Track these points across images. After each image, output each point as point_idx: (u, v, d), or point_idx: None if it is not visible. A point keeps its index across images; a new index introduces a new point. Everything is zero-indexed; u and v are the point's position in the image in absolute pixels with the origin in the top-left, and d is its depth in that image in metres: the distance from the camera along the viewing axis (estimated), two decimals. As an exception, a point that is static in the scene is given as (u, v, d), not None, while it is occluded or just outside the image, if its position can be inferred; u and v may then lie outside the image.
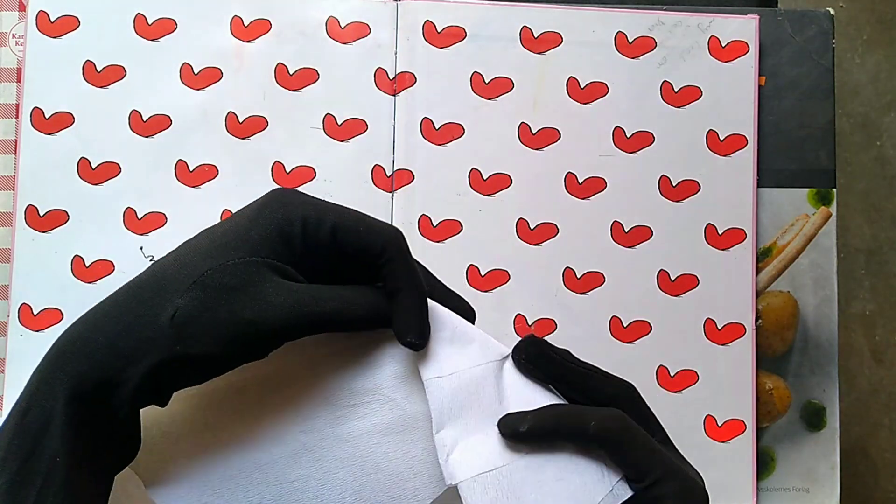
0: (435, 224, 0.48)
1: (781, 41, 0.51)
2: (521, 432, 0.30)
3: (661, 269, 0.49)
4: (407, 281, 0.31)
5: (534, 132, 0.49)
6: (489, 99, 0.49)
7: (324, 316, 0.28)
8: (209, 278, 0.27)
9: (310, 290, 0.29)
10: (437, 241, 0.48)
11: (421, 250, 0.48)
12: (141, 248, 0.44)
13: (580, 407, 0.32)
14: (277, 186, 0.32)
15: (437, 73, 0.49)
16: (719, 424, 0.49)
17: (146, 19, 0.48)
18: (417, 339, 0.30)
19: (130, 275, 0.48)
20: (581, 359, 0.33)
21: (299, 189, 0.33)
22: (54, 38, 0.48)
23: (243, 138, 0.48)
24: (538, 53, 0.49)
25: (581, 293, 0.49)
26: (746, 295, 0.49)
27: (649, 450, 0.31)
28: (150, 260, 0.36)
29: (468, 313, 0.33)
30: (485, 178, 0.49)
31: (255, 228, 0.28)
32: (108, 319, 0.27)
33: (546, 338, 0.48)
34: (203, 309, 0.27)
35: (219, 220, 0.46)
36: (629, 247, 0.49)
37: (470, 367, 0.31)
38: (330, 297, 0.29)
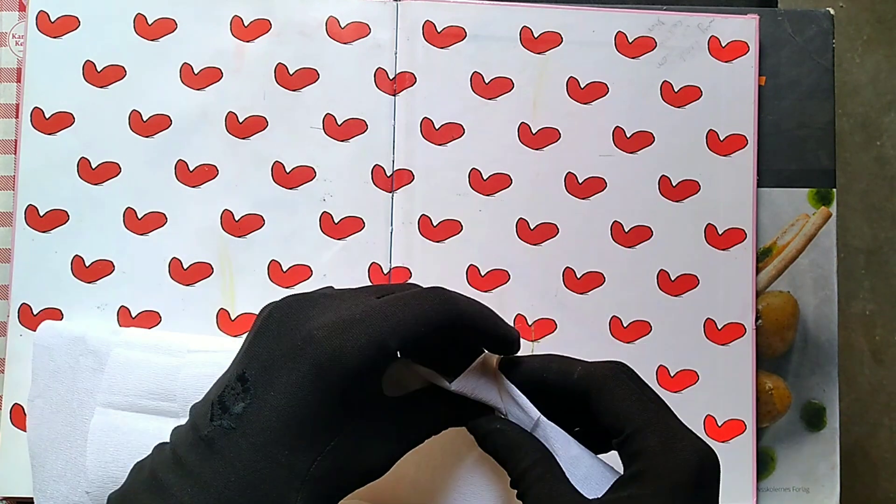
0: (435, 224, 0.48)
1: (781, 41, 0.51)
2: (514, 369, 0.33)
3: (661, 269, 0.49)
4: (497, 332, 0.33)
5: (534, 132, 0.49)
6: (489, 99, 0.49)
7: (417, 445, 0.31)
8: (316, 472, 0.27)
9: (398, 432, 0.30)
10: (437, 241, 0.48)
11: (421, 250, 0.48)
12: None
13: (573, 358, 0.33)
14: (284, 305, 0.31)
15: (437, 73, 0.49)
16: (719, 424, 0.49)
17: (146, 19, 0.48)
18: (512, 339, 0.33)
19: (130, 275, 0.49)
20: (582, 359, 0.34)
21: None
22: (54, 38, 0.48)
23: (243, 138, 0.48)
24: (538, 53, 0.49)
25: (581, 293, 0.49)
26: (746, 295, 0.49)
27: (632, 401, 0.30)
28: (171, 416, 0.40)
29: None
30: (485, 178, 0.49)
31: (325, 400, 0.28)
32: None
33: (546, 338, 0.49)
34: (322, 501, 0.28)
35: (219, 229, 0.46)
36: (629, 247, 0.49)
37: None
38: (417, 429, 0.31)
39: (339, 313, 0.29)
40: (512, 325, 0.34)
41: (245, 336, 0.31)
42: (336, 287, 0.34)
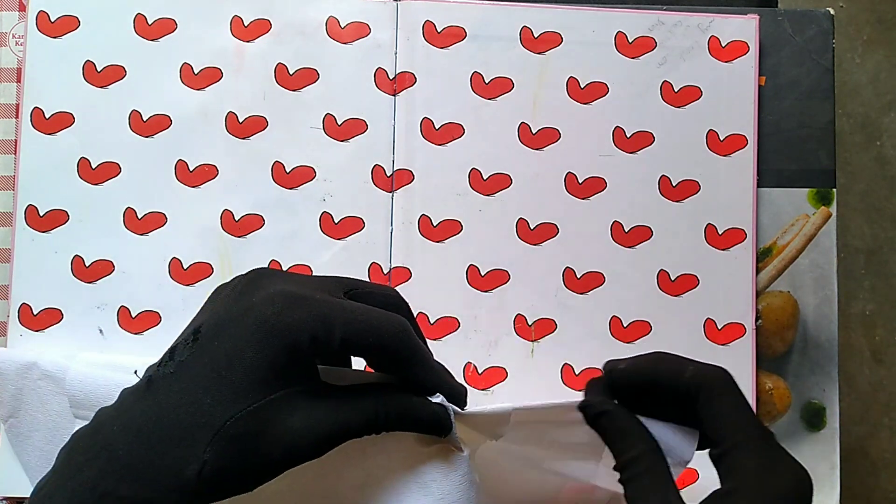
0: (435, 224, 0.48)
1: (781, 41, 0.51)
2: (619, 368, 0.32)
3: (661, 269, 0.49)
4: (427, 381, 0.32)
5: (534, 132, 0.49)
6: (489, 99, 0.49)
7: (348, 433, 0.29)
8: (232, 428, 0.27)
9: (329, 408, 0.29)
10: (437, 241, 0.48)
11: (421, 250, 0.48)
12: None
13: (684, 358, 0.32)
14: (256, 270, 0.31)
15: (437, 73, 0.49)
16: (719, 424, 0.49)
17: (146, 19, 0.48)
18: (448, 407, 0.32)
19: (130, 274, 0.49)
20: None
21: (274, 267, 0.32)
22: (54, 38, 0.48)
23: (243, 138, 0.48)
24: (538, 53, 0.49)
25: (581, 293, 0.49)
26: (746, 295, 0.49)
27: (738, 414, 0.29)
28: (135, 374, 0.36)
29: (460, 396, 0.34)
30: (485, 178, 0.49)
31: (262, 361, 0.28)
32: (128, 471, 0.26)
33: (546, 338, 0.49)
34: (230, 461, 0.27)
35: (219, 229, 0.46)
36: (629, 247, 0.49)
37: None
38: (351, 409, 0.30)
39: (301, 288, 0.29)
40: (461, 385, 0.33)
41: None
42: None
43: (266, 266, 0.31)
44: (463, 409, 0.33)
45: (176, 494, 0.26)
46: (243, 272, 0.31)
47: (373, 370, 0.33)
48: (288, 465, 0.28)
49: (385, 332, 0.30)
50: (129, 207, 0.48)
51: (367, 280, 0.33)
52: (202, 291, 0.47)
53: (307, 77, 0.49)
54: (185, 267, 0.47)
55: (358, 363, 0.34)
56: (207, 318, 0.29)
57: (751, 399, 0.49)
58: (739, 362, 0.49)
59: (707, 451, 0.31)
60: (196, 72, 0.48)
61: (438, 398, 0.32)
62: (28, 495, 0.44)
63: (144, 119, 0.48)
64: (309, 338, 0.28)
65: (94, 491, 0.26)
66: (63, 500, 0.26)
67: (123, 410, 0.28)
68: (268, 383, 0.28)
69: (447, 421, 0.32)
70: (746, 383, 0.49)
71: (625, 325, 0.49)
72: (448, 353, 0.47)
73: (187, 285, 0.47)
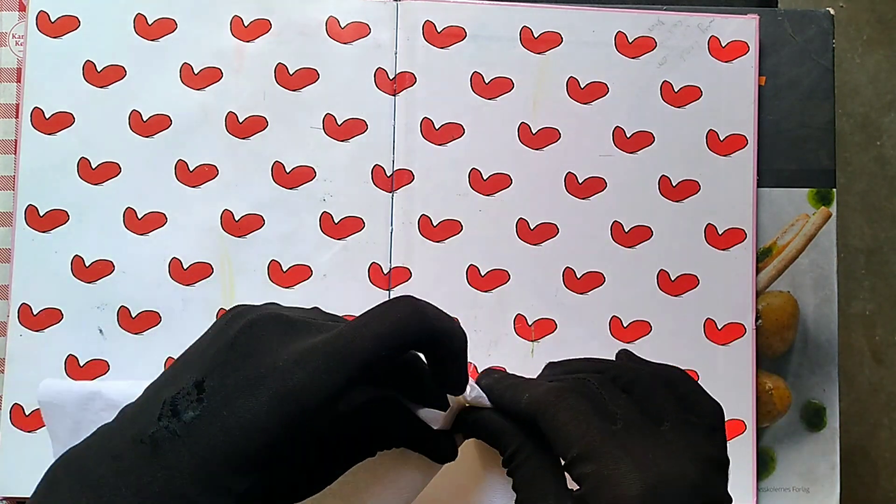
0: (435, 224, 0.48)
1: (781, 41, 0.51)
2: (465, 397, 0.33)
3: (661, 269, 0.49)
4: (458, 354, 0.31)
5: (534, 132, 0.49)
6: (489, 99, 0.49)
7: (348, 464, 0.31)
8: (250, 497, 0.27)
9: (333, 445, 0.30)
10: (437, 241, 0.48)
11: (421, 250, 0.48)
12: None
13: (529, 381, 0.33)
14: (251, 321, 0.29)
15: (437, 73, 0.49)
16: (719, 424, 0.49)
17: (146, 19, 0.48)
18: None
19: (130, 274, 0.49)
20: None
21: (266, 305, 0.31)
22: (54, 38, 0.48)
23: (243, 138, 0.48)
24: (538, 53, 0.49)
25: (581, 293, 0.49)
26: (746, 295, 0.49)
27: (574, 425, 0.30)
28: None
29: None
30: (485, 178, 0.49)
31: (278, 436, 0.27)
32: None
33: (546, 338, 0.49)
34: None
35: (219, 229, 0.46)
36: (629, 247, 0.49)
37: None
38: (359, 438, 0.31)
39: (305, 344, 0.28)
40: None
41: (210, 330, 0.30)
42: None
43: (268, 312, 0.30)
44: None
45: None
46: (252, 306, 0.30)
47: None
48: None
49: (397, 335, 0.28)
50: (129, 207, 0.48)
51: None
52: (202, 291, 0.47)
53: (307, 77, 0.49)
54: (185, 267, 0.47)
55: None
56: (210, 374, 0.28)
57: (751, 399, 0.49)
58: (739, 362, 0.49)
59: None
60: (196, 72, 0.48)
61: (475, 391, 0.33)
62: (28, 495, 0.44)
63: (144, 119, 0.48)
64: (324, 398, 0.27)
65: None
66: None
67: (128, 470, 0.26)
68: (286, 450, 0.27)
69: (455, 450, 0.33)
70: (746, 383, 0.49)
71: (625, 325, 0.49)
72: (448, 353, 0.48)
73: (187, 285, 0.47)
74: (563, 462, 0.30)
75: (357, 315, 0.29)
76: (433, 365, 0.31)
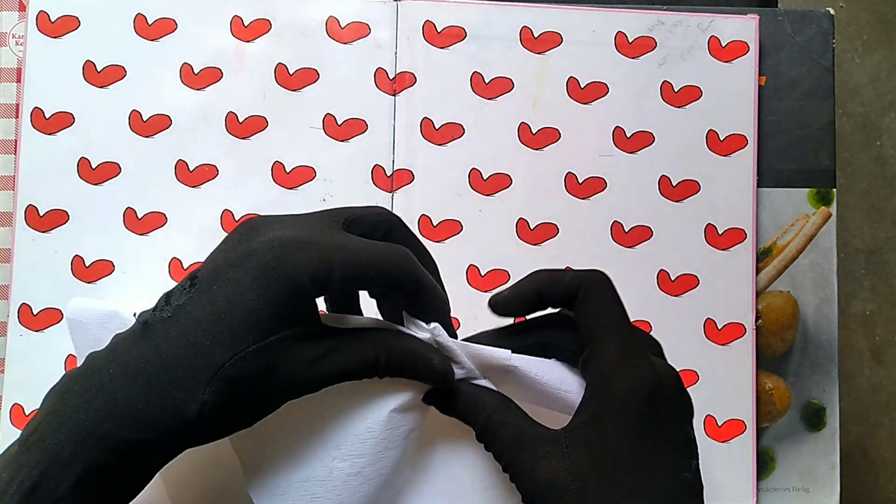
0: (435, 224, 0.48)
1: (781, 41, 0.51)
2: (503, 296, 0.35)
3: (661, 269, 0.49)
4: (433, 309, 0.33)
5: (534, 132, 0.49)
6: (489, 99, 0.49)
7: (346, 374, 0.30)
8: (231, 370, 0.27)
9: (329, 348, 0.29)
10: (437, 241, 0.48)
11: (421, 250, 0.48)
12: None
13: (556, 270, 0.35)
14: (253, 220, 0.31)
15: (437, 73, 0.49)
16: (719, 424, 0.49)
17: (146, 19, 0.48)
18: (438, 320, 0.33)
19: (131, 274, 0.49)
20: None
21: (275, 220, 0.31)
22: (54, 38, 0.48)
23: (243, 138, 0.48)
24: (538, 53, 0.49)
25: (581, 293, 0.49)
26: (746, 295, 0.49)
27: (609, 315, 0.32)
28: (134, 316, 0.36)
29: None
30: (485, 178, 0.49)
31: (262, 304, 0.28)
32: (128, 413, 0.27)
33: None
34: (230, 401, 0.27)
35: (219, 229, 0.46)
36: (629, 247, 0.49)
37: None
38: (350, 352, 0.30)
39: (299, 231, 0.29)
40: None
41: None
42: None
43: (259, 215, 0.31)
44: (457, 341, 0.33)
45: (177, 434, 0.27)
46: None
47: (382, 314, 0.34)
48: (286, 400, 0.29)
49: (385, 264, 0.30)
50: (129, 207, 0.48)
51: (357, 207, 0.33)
52: (202, 291, 0.47)
53: (307, 77, 0.49)
54: (185, 267, 0.47)
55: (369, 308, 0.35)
56: (204, 266, 0.29)
57: (751, 399, 0.49)
58: (739, 362, 0.49)
59: None
60: (196, 72, 0.48)
61: (431, 326, 0.33)
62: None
63: (144, 119, 0.48)
64: (309, 279, 0.28)
65: (93, 432, 0.26)
66: (60, 441, 0.26)
67: (118, 354, 0.28)
68: (268, 325, 0.28)
69: (447, 374, 0.32)
70: (746, 383, 0.49)
71: (625, 325, 0.49)
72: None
73: (187, 285, 0.47)
74: (583, 354, 0.32)
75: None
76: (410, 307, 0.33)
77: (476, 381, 0.34)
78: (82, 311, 0.40)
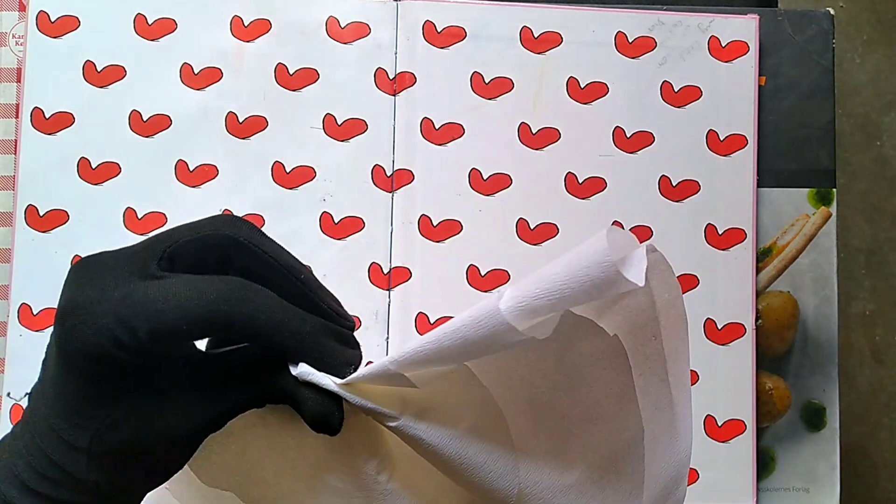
0: (435, 224, 0.48)
1: (781, 41, 0.51)
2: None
3: (661, 269, 0.49)
4: (288, 350, 0.27)
5: (534, 132, 0.49)
6: (489, 99, 0.49)
7: (218, 424, 0.28)
8: (98, 448, 0.26)
9: (191, 403, 0.27)
10: (437, 241, 0.48)
11: (421, 250, 0.48)
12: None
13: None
14: (72, 267, 0.28)
15: (437, 73, 0.49)
16: (719, 424, 0.49)
17: (146, 19, 0.48)
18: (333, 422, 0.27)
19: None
20: None
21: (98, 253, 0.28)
22: (54, 38, 0.48)
23: (243, 138, 0.48)
24: (538, 53, 0.49)
25: (581, 293, 0.49)
26: (746, 295, 0.49)
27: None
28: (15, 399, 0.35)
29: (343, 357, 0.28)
30: (485, 178, 0.49)
31: (80, 389, 0.25)
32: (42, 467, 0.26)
33: (546, 338, 0.48)
34: (119, 477, 0.26)
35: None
36: (629, 247, 0.49)
37: None
38: (220, 401, 0.27)
39: (99, 286, 0.26)
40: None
41: None
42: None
43: (89, 256, 0.29)
44: (344, 378, 0.27)
45: (88, 496, 0.26)
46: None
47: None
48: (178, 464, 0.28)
49: (194, 312, 0.24)
50: (129, 207, 0.48)
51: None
52: (202, 291, 0.47)
53: (307, 77, 0.49)
54: (185, 267, 0.47)
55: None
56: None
57: (751, 399, 0.49)
58: (739, 362, 0.49)
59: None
60: (196, 72, 0.48)
61: (302, 369, 0.27)
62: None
63: (144, 119, 0.48)
64: (113, 344, 0.24)
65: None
66: None
67: (32, 410, 0.27)
68: (97, 399, 0.25)
69: (332, 418, 0.27)
70: (746, 383, 0.49)
71: (625, 325, 0.49)
72: (448, 353, 0.47)
73: (187, 285, 0.47)
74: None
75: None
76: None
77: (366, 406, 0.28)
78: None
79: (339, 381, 0.27)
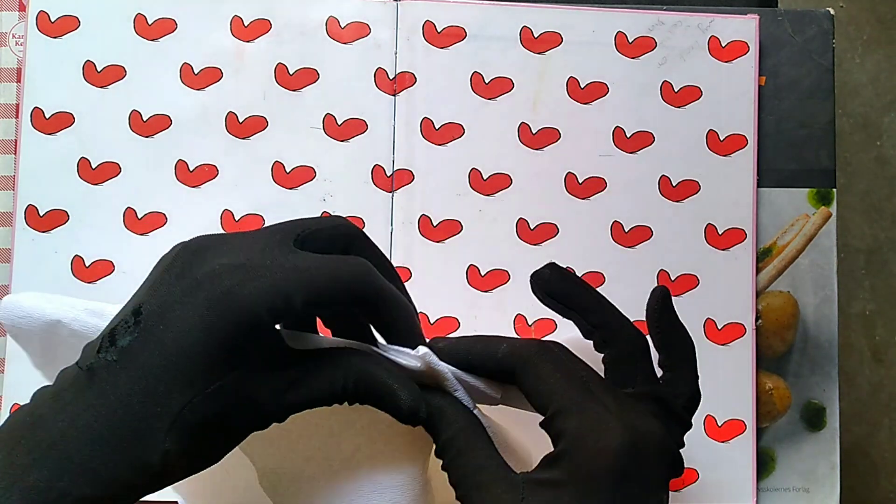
0: (435, 224, 0.48)
1: (781, 41, 0.51)
2: (437, 346, 0.32)
3: (661, 269, 0.49)
4: (401, 324, 0.30)
5: (534, 132, 0.49)
6: (489, 99, 0.49)
7: (310, 403, 0.28)
8: (189, 415, 0.26)
9: (292, 377, 0.28)
10: (437, 241, 0.48)
11: (421, 250, 0.48)
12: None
13: (500, 337, 0.32)
14: (192, 243, 0.29)
15: (437, 73, 0.49)
16: (719, 424, 0.49)
17: (146, 19, 0.48)
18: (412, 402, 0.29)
19: (131, 274, 0.49)
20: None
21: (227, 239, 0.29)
22: (54, 38, 0.48)
23: (243, 138, 0.48)
24: (538, 53, 0.49)
25: (581, 293, 0.49)
26: (746, 295, 0.49)
27: (555, 380, 0.29)
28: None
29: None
30: (485, 178, 0.49)
31: (214, 344, 0.26)
32: (85, 472, 0.25)
33: (546, 338, 0.48)
34: (193, 445, 0.26)
35: (219, 230, 0.46)
36: (629, 247, 0.49)
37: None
38: (315, 380, 0.28)
39: (247, 256, 0.27)
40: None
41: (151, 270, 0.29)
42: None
43: (199, 235, 0.30)
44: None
45: (140, 485, 0.26)
46: (183, 241, 0.29)
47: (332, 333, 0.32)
48: (252, 432, 0.28)
49: (347, 280, 0.27)
50: (129, 207, 0.48)
51: (314, 217, 0.31)
52: (202, 291, 0.47)
53: (307, 77, 0.49)
54: (185, 267, 0.47)
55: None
56: (148, 298, 0.27)
57: (751, 399, 0.49)
58: (739, 362, 0.49)
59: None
60: (196, 72, 0.48)
61: (421, 352, 0.30)
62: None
63: (144, 119, 0.48)
64: (267, 310, 0.26)
65: (49, 492, 0.25)
66: (16, 502, 0.24)
67: (66, 403, 0.26)
68: (222, 365, 0.26)
69: (414, 412, 0.29)
70: (746, 383, 0.49)
71: (625, 325, 0.49)
72: (448, 353, 0.47)
73: (187, 285, 0.47)
74: (543, 417, 0.29)
75: None
76: (380, 327, 0.31)
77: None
78: (18, 318, 0.37)
79: (452, 368, 0.31)
